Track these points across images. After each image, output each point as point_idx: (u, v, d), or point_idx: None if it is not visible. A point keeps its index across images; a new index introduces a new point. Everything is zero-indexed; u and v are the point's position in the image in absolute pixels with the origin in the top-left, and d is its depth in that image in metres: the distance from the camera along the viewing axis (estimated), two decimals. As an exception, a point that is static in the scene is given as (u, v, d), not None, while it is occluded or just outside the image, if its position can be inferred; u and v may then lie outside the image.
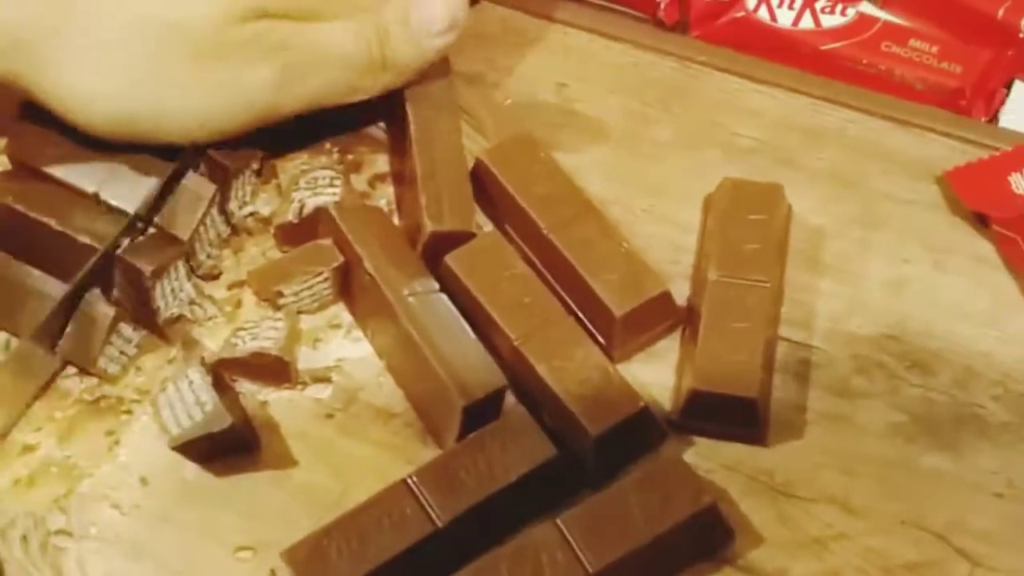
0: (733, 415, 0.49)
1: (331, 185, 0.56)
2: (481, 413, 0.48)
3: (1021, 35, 0.60)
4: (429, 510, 0.45)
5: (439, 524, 0.45)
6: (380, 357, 0.52)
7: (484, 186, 0.56)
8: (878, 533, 0.47)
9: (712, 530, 0.46)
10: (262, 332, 0.52)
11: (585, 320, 0.52)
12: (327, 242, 0.53)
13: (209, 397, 0.49)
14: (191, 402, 0.49)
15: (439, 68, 0.59)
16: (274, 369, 0.51)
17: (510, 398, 0.50)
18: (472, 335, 0.50)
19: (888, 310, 0.53)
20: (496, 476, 0.45)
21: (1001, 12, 0.60)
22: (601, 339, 0.51)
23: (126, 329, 0.52)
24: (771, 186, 0.54)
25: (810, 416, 0.50)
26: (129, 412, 0.51)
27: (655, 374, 0.51)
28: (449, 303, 0.51)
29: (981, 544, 0.46)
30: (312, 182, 0.56)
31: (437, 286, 0.52)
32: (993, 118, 0.60)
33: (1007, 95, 0.61)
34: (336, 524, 0.45)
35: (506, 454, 0.46)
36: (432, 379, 0.48)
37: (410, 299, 0.50)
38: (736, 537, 0.46)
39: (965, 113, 0.59)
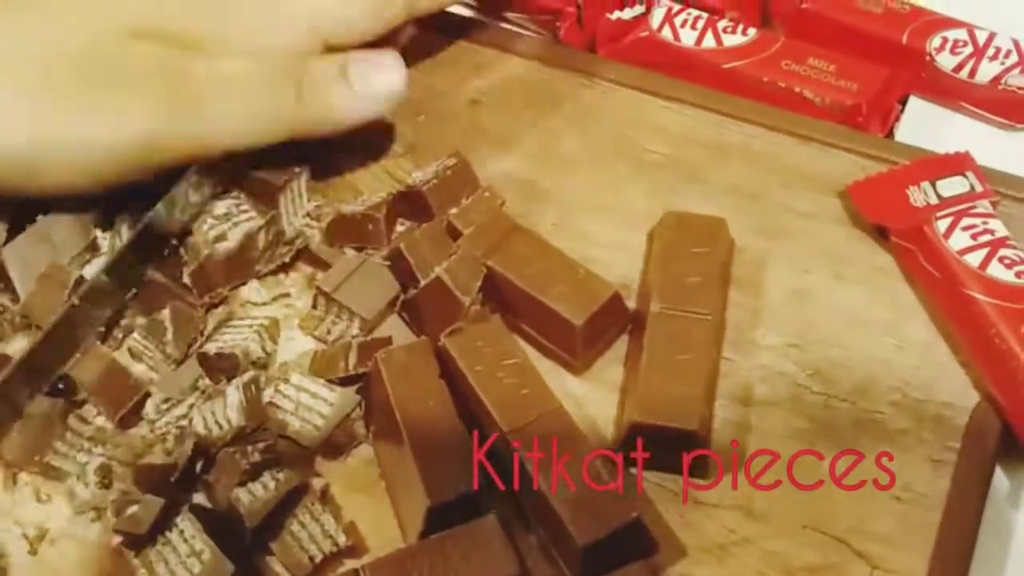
0: (675, 447, 0.48)
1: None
2: (449, 513, 0.45)
3: (927, 57, 0.61)
4: None
5: None
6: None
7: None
8: (780, 537, 0.48)
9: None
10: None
11: (541, 338, 0.52)
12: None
13: (204, 544, 0.45)
14: (185, 553, 0.45)
15: None
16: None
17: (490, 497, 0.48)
18: (463, 430, 0.48)
19: (791, 319, 0.54)
20: None
21: (905, 37, 0.61)
22: (562, 353, 0.52)
23: (76, 423, 0.49)
24: (714, 219, 0.55)
25: (715, 424, 0.51)
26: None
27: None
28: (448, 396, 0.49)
29: (880, 546, 0.47)
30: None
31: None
32: (889, 133, 0.62)
33: (902, 110, 0.62)
34: None
35: (466, 563, 0.44)
36: (406, 469, 0.46)
37: None
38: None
39: (863, 128, 0.61)
